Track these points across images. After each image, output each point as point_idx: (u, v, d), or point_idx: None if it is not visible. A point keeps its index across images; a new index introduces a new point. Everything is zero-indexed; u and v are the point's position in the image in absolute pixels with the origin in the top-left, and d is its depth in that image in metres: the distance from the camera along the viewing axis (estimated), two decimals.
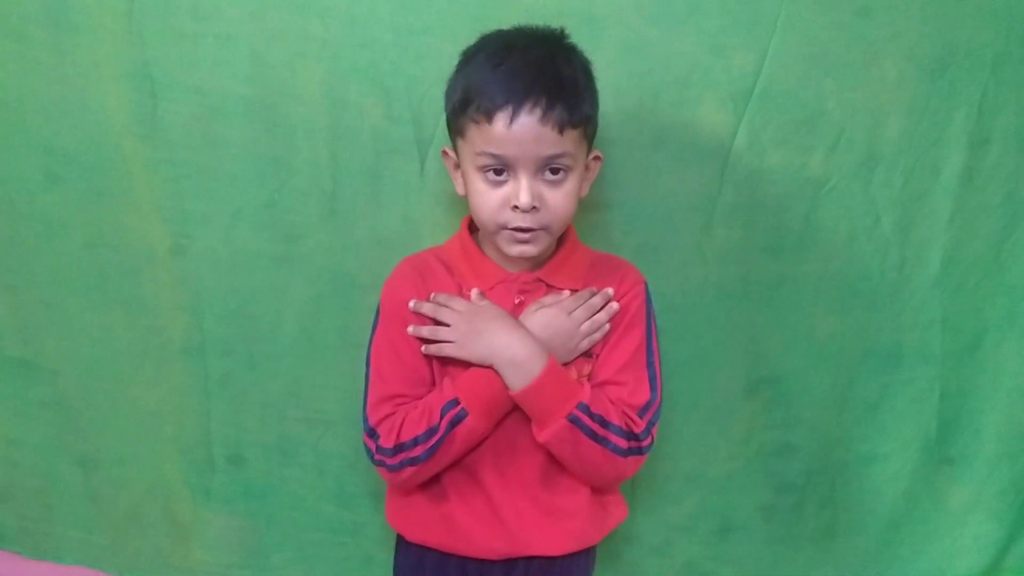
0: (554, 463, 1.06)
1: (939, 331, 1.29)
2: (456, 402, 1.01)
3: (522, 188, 0.97)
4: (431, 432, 1.01)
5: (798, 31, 1.19)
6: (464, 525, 1.07)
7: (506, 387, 1.01)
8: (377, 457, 1.05)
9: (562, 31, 1.04)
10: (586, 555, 1.13)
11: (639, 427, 1.04)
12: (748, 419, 1.31)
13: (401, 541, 1.15)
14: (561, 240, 1.09)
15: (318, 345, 1.27)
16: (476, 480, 1.07)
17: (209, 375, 1.28)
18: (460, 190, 1.06)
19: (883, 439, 1.33)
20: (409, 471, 1.03)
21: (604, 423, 1.01)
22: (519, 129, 0.95)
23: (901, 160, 1.24)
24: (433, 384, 1.07)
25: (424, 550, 1.11)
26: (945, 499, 1.36)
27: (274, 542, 1.34)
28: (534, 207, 0.98)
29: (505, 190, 0.99)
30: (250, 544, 1.34)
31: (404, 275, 1.09)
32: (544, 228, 1.01)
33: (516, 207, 0.98)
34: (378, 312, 1.10)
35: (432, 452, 1.01)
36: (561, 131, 0.96)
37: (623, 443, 1.02)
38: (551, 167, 0.99)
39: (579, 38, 1.14)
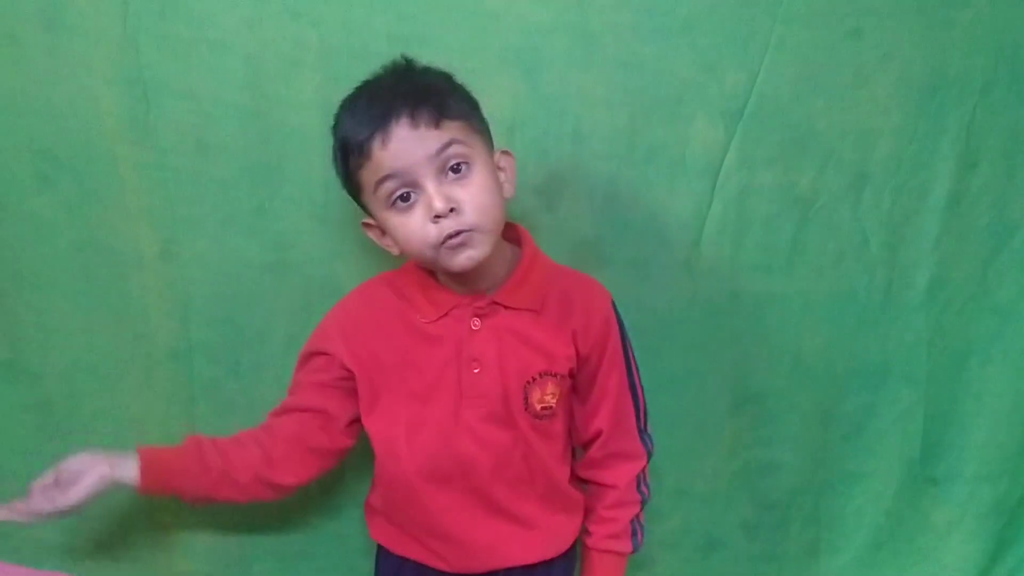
0: (512, 481, 1.08)
1: (925, 352, 1.30)
2: None
3: (432, 195, 0.94)
4: None
5: (790, 51, 1.19)
6: (438, 543, 1.09)
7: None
8: None
9: (405, 57, 1.02)
10: (564, 559, 1.14)
11: (641, 495, 1.14)
12: (733, 436, 1.32)
13: (382, 550, 1.16)
14: (517, 260, 1.08)
15: None
16: (445, 498, 1.07)
17: (195, 382, 1.28)
18: (395, 250, 1.04)
19: (867, 458, 1.34)
20: None
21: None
22: (395, 143, 0.93)
23: (890, 181, 1.24)
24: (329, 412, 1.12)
25: (403, 560, 1.12)
26: (928, 519, 1.36)
27: (257, 552, 1.34)
28: (452, 209, 0.95)
29: (419, 210, 0.96)
30: (233, 553, 1.34)
31: (337, 325, 1.12)
32: (473, 228, 0.96)
33: (437, 217, 0.94)
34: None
35: None
36: (437, 125, 0.94)
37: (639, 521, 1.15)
38: (450, 166, 0.96)
39: (573, 53, 1.16)
